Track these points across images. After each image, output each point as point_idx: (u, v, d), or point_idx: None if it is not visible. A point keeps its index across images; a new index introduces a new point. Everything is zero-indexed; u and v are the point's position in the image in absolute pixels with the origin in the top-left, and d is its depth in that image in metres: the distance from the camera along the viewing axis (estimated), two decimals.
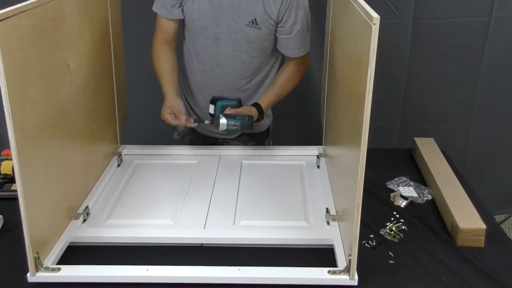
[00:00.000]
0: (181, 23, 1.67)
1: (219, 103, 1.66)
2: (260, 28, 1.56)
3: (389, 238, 1.34)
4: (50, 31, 1.21)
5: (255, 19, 1.54)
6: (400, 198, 1.51)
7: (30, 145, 1.12)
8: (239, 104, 1.67)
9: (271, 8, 1.53)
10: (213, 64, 1.65)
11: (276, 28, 1.58)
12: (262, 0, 1.52)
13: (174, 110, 1.58)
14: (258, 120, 1.66)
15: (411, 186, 1.58)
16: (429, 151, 1.72)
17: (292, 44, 1.62)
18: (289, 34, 1.59)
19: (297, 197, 1.50)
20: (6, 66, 1.00)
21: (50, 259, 1.21)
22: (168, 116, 1.58)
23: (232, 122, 1.56)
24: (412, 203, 1.50)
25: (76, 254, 1.27)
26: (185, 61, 1.75)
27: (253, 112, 1.62)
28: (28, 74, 1.11)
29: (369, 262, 1.22)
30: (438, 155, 1.70)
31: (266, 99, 1.68)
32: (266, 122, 1.85)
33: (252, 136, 1.84)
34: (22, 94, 1.08)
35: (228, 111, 1.60)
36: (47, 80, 1.20)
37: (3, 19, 0.99)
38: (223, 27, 1.57)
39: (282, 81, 1.70)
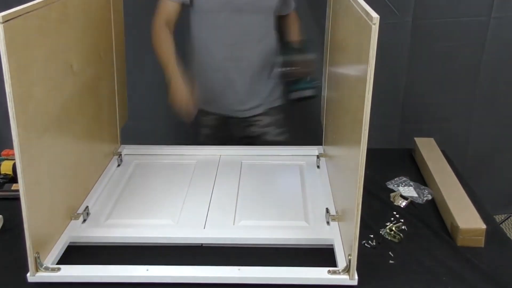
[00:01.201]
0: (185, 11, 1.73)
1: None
2: None
3: (389, 238, 1.34)
4: (54, 31, 1.21)
5: None
6: (400, 198, 1.51)
7: (33, 145, 1.12)
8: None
9: None
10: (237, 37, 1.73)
11: None
12: None
13: (184, 97, 1.64)
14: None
15: (411, 186, 1.58)
16: (429, 151, 1.72)
17: None
18: None
19: (297, 197, 1.50)
20: (11, 67, 1.00)
21: (50, 259, 1.21)
22: (177, 102, 1.64)
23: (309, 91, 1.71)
24: (412, 203, 1.50)
25: (76, 254, 1.26)
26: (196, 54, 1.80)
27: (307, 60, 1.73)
28: (32, 75, 1.11)
29: (369, 262, 1.22)
30: (438, 155, 1.70)
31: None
32: None
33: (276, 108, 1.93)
34: (27, 95, 1.08)
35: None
36: (51, 80, 1.20)
37: (9, 20, 0.99)
38: None
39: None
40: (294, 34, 1.91)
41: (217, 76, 1.80)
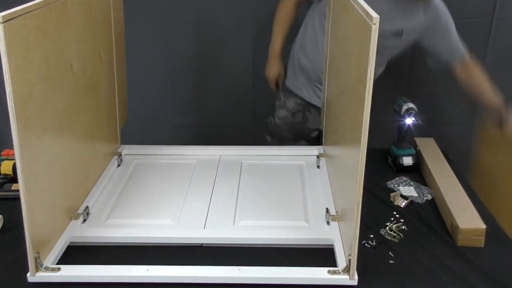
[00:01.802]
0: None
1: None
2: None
3: (389, 238, 1.34)
4: (54, 31, 1.21)
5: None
6: (400, 198, 1.51)
7: (33, 145, 1.12)
8: None
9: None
10: None
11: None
12: None
13: (278, 76, 1.94)
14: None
15: (411, 186, 1.58)
16: (429, 151, 1.72)
17: None
18: None
19: (297, 197, 1.50)
20: (11, 67, 1.00)
21: (50, 259, 1.21)
22: (271, 79, 1.94)
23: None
24: (412, 203, 1.50)
25: (76, 254, 1.26)
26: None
27: None
28: (32, 75, 1.11)
29: (369, 262, 1.22)
30: (438, 155, 1.70)
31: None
32: None
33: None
34: (27, 94, 1.08)
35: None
36: (51, 80, 1.20)
37: (9, 20, 0.99)
38: None
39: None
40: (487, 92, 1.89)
41: (317, 67, 1.86)
